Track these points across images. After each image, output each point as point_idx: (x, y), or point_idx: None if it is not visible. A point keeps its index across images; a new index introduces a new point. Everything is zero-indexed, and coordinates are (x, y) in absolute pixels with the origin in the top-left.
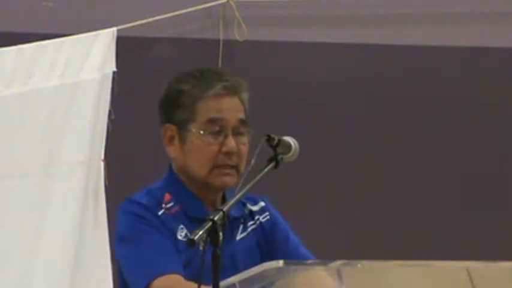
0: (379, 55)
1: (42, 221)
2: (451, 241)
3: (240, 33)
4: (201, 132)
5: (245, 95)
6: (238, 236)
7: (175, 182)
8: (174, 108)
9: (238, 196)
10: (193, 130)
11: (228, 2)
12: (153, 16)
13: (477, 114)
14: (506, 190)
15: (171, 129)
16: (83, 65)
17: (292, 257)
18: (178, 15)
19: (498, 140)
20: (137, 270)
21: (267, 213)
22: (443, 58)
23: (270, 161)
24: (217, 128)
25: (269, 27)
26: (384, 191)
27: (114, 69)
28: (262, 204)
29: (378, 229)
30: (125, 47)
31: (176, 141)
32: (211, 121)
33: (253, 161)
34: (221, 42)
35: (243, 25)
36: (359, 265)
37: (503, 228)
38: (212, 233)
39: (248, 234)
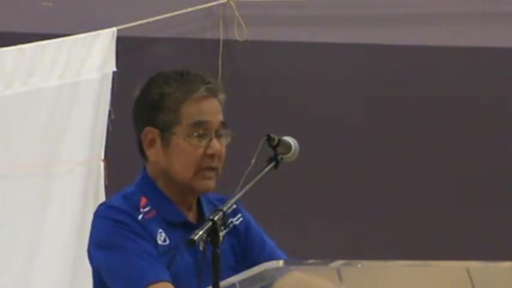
0: (379, 55)
1: (42, 221)
2: (451, 241)
3: (240, 33)
4: (187, 135)
5: (223, 96)
6: None
7: (150, 186)
8: (156, 111)
9: (238, 196)
10: (178, 133)
11: (228, 2)
12: (153, 16)
13: (477, 114)
14: (506, 190)
15: (152, 132)
16: (83, 65)
17: (269, 260)
18: (178, 15)
19: (498, 140)
20: (127, 279)
21: (240, 215)
22: (443, 58)
23: (270, 161)
24: (201, 131)
25: (269, 27)
26: (384, 191)
27: (114, 69)
28: (233, 206)
29: (378, 229)
30: (124, 47)
31: (158, 144)
32: (197, 124)
33: (253, 161)
34: (221, 42)
35: (243, 25)
36: (359, 265)
37: (503, 228)
38: (212, 233)
39: (222, 237)
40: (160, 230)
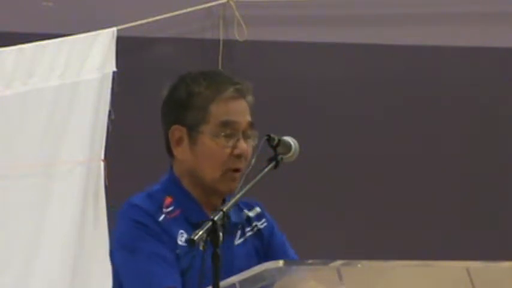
0: (379, 55)
1: (42, 221)
2: (451, 241)
3: (240, 33)
4: (215, 134)
5: (251, 98)
6: (237, 242)
7: (175, 185)
8: (185, 110)
9: (237, 196)
10: (206, 132)
11: (228, 2)
12: (153, 16)
13: (477, 114)
14: (506, 190)
15: (180, 131)
16: (82, 65)
17: None
18: (178, 15)
19: (498, 140)
20: (136, 282)
21: (264, 220)
22: (443, 58)
23: (270, 161)
24: (228, 131)
25: (269, 27)
26: (384, 190)
27: (114, 69)
28: (258, 210)
29: (378, 229)
30: (124, 47)
31: (185, 143)
32: (225, 124)
33: (253, 161)
34: (221, 42)
35: (243, 25)
36: (359, 265)
37: (503, 228)
38: (212, 233)
39: (246, 240)
40: (182, 231)
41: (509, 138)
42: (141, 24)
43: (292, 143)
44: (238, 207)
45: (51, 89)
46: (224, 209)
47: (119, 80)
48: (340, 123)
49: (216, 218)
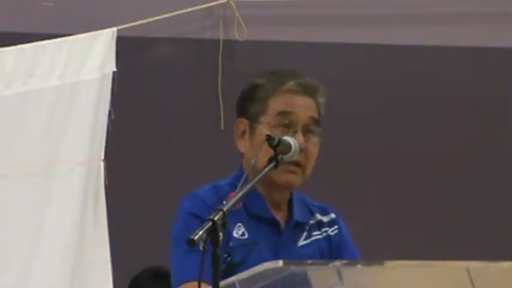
0: (379, 55)
1: (42, 221)
2: (451, 241)
3: (240, 33)
4: (272, 124)
5: (321, 99)
6: (301, 242)
7: (241, 179)
8: (248, 102)
9: (238, 196)
10: (264, 122)
11: (228, 2)
12: (153, 16)
13: (477, 114)
14: (506, 190)
15: (243, 123)
16: (83, 65)
17: None
18: (178, 15)
19: (498, 140)
20: (173, 274)
21: (336, 227)
22: (443, 58)
23: (270, 161)
24: (286, 121)
25: (269, 27)
26: (384, 190)
27: (114, 69)
28: (333, 216)
29: (378, 229)
30: (124, 47)
31: (247, 135)
32: (282, 114)
33: (253, 161)
34: (221, 42)
35: (243, 25)
36: (359, 265)
37: (503, 228)
38: (212, 233)
39: (311, 242)
40: (240, 224)
41: (509, 138)
42: (141, 24)
43: (292, 143)
44: (308, 208)
45: (51, 89)
46: (224, 209)
47: (119, 80)
48: (340, 123)
49: (216, 218)
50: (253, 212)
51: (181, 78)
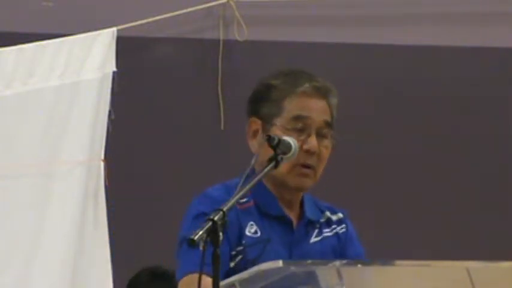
0: (379, 55)
1: (42, 221)
2: (451, 241)
3: (240, 33)
4: (286, 127)
5: (334, 101)
6: (313, 239)
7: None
8: (262, 102)
9: (237, 196)
10: (278, 125)
11: (228, 2)
12: (153, 16)
13: (477, 114)
14: (506, 190)
15: (256, 123)
16: (83, 65)
17: None
18: (178, 15)
19: (498, 140)
20: (179, 267)
21: (344, 225)
22: (443, 58)
23: (270, 161)
24: (300, 125)
25: (269, 27)
26: (384, 190)
27: (114, 69)
28: (341, 215)
29: (378, 229)
30: (124, 47)
31: (259, 135)
32: (296, 118)
33: (253, 161)
34: (221, 42)
35: (243, 25)
36: (359, 265)
37: (503, 228)
38: (212, 233)
39: (323, 238)
40: (252, 222)
41: (509, 138)
42: (141, 24)
43: (292, 143)
44: (319, 208)
45: (51, 89)
46: (224, 209)
47: (119, 80)
48: (339, 123)
49: (216, 218)
50: (265, 211)
51: (181, 78)
